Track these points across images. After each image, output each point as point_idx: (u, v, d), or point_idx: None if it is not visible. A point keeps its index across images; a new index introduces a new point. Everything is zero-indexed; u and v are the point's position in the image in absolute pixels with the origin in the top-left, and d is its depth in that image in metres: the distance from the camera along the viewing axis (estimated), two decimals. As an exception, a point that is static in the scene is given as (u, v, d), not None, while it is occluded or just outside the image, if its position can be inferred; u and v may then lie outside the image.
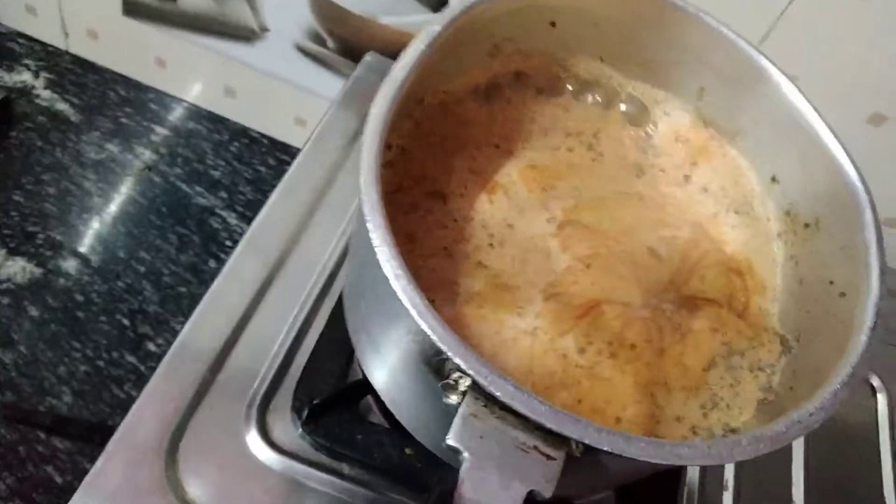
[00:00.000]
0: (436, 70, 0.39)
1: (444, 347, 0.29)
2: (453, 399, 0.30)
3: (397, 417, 0.45)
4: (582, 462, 0.31)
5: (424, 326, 0.30)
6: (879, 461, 0.64)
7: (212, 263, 0.83)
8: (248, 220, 0.88)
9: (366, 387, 0.54)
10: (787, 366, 0.42)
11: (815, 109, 0.42)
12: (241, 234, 0.86)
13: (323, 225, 0.64)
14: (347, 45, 0.82)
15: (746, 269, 0.44)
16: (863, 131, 0.69)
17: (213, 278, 0.82)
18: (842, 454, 0.64)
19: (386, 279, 0.30)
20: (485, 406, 0.30)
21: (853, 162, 0.41)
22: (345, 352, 0.55)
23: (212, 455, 0.50)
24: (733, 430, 0.40)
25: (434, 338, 0.29)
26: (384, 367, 0.43)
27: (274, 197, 0.65)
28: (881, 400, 0.66)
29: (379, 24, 0.78)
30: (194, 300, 0.80)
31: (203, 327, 0.56)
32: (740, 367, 0.41)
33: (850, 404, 0.65)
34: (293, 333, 0.57)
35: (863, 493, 0.63)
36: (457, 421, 0.29)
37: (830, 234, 0.42)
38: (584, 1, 0.43)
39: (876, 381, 0.66)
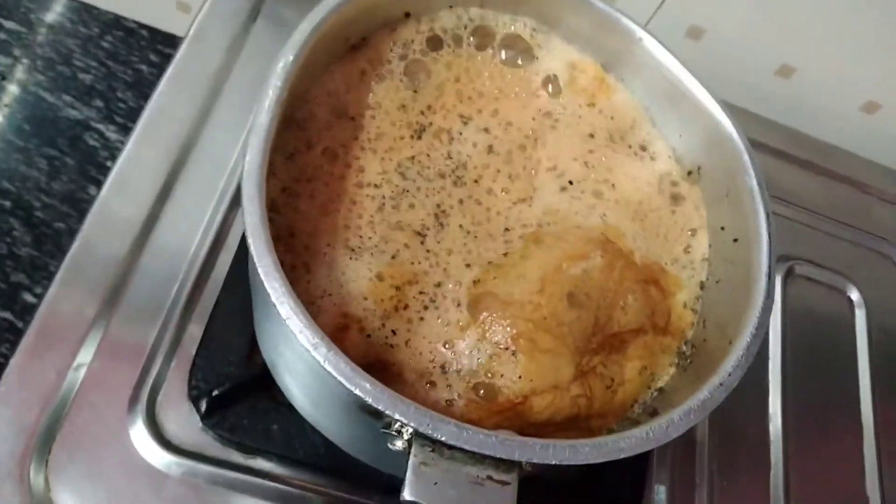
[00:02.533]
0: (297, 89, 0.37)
1: (381, 407, 0.29)
2: (399, 445, 0.30)
3: (349, 453, 0.41)
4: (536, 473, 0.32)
5: (358, 392, 0.29)
6: (857, 378, 0.59)
7: (92, 190, 0.69)
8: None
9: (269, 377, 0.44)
10: (699, 318, 0.42)
11: (685, 67, 0.43)
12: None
13: (223, 126, 0.52)
14: None
15: (660, 272, 0.41)
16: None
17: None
18: (819, 371, 0.58)
19: (307, 350, 0.29)
20: (432, 451, 0.30)
21: (727, 113, 0.41)
22: (249, 321, 0.45)
23: (90, 466, 0.40)
24: (661, 390, 0.40)
25: (369, 400, 0.29)
26: (324, 413, 0.39)
27: (154, 101, 0.52)
28: (859, 316, 0.60)
29: None
30: (75, 237, 0.68)
31: (71, 289, 0.45)
32: (661, 377, 0.41)
33: (830, 320, 0.59)
34: (185, 293, 0.46)
35: (839, 410, 0.58)
36: (409, 475, 0.29)
37: (713, 181, 0.43)
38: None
39: (855, 295, 0.60)
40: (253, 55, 0.55)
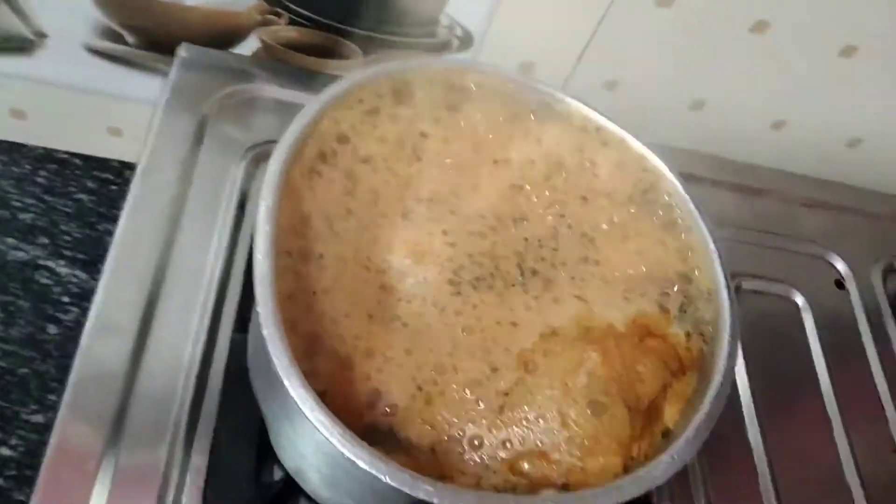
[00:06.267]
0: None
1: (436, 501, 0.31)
2: None
3: None
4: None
5: (422, 495, 0.31)
6: (816, 373, 0.63)
7: (52, 329, 0.69)
8: (82, 265, 0.73)
9: (289, 490, 0.45)
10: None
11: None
12: (77, 285, 0.72)
13: (190, 246, 0.54)
14: (151, 36, 0.67)
15: (645, 321, 0.41)
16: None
17: (56, 347, 0.68)
18: (781, 372, 0.63)
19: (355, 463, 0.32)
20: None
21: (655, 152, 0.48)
22: (252, 441, 0.46)
23: None
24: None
25: (435, 500, 0.31)
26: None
27: (117, 239, 0.53)
28: (807, 318, 0.65)
29: (186, 8, 0.64)
30: (43, 380, 0.67)
31: (75, 428, 0.44)
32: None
33: (781, 325, 0.64)
34: (183, 426, 0.47)
35: (805, 404, 0.62)
36: None
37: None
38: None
39: (800, 300, 0.65)
40: (205, 175, 0.57)
